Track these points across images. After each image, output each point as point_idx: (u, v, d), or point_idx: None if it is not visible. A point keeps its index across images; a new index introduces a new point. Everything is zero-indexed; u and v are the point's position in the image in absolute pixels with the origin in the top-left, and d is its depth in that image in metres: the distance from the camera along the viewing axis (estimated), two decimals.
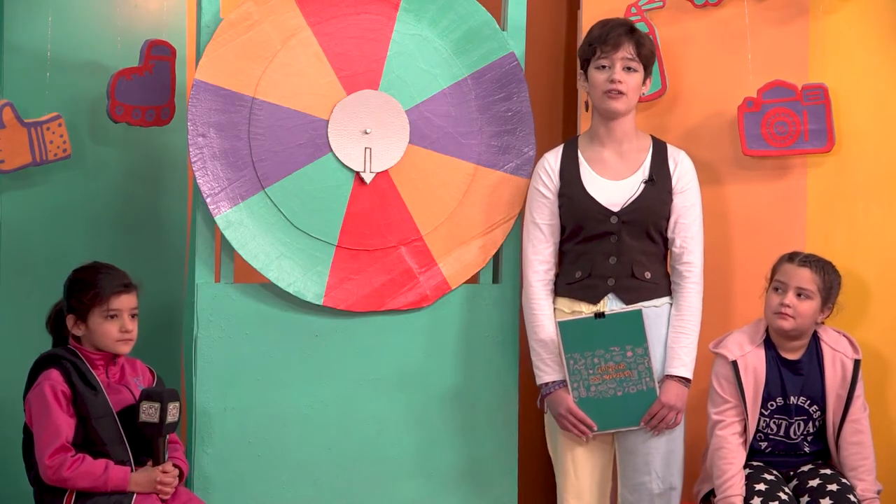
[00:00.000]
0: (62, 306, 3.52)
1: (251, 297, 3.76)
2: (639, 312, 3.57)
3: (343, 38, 3.79)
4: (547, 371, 3.67)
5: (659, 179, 3.68)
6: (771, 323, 3.66)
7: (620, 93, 3.63)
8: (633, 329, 3.56)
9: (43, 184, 3.98)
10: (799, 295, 3.63)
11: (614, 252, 3.66)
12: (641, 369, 3.58)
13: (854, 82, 3.96)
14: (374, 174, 3.80)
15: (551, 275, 3.75)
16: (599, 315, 3.58)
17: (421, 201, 3.86)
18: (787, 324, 3.63)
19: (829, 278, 3.66)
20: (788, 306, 3.62)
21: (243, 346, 3.75)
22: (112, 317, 3.45)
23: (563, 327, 3.60)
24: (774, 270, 3.71)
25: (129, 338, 3.48)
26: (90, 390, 3.40)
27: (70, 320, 3.47)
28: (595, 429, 3.62)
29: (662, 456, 3.66)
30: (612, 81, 3.62)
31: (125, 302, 3.48)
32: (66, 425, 3.34)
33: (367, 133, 3.79)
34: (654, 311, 3.66)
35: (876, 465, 3.67)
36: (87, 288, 3.45)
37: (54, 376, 3.38)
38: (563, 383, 3.64)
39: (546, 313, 3.71)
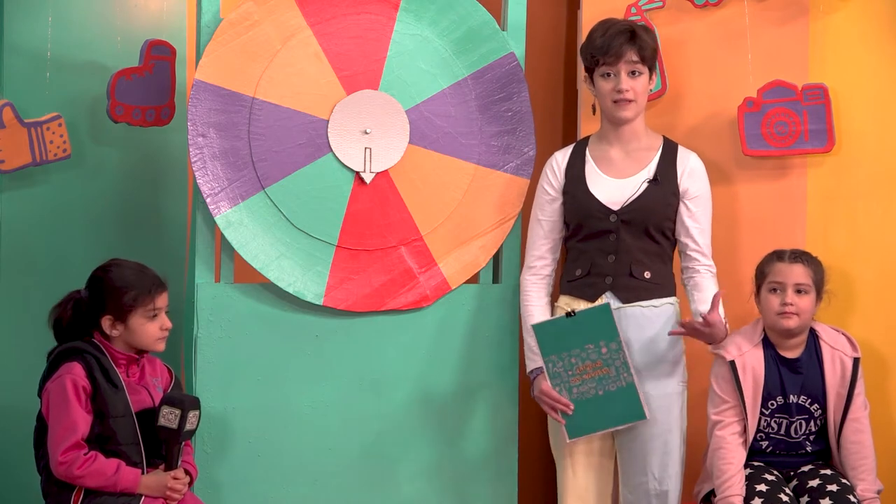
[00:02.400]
0: (81, 300, 3.45)
1: (251, 297, 3.76)
2: (607, 306, 3.57)
3: (343, 38, 3.79)
4: (534, 359, 3.68)
5: (664, 180, 3.67)
6: (774, 324, 3.66)
7: (629, 100, 3.64)
8: (604, 324, 3.56)
9: (43, 184, 3.98)
10: (797, 292, 3.64)
11: (613, 250, 3.66)
12: (618, 365, 3.58)
13: (854, 82, 3.96)
14: (374, 174, 3.80)
15: (547, 270, 3.76)
16: (570, 314, 3.58)
17: (421, 201, 3.86)
18: (792, 322, 3.63)
19: (818, 269, 3.69)
20: (791, 304, 3.62)
21: (243, 346, 3.75)
22: (154, 316, 3.44)
23: (538, 330, 3.61)
24: (763, 272, 3.71)
25: (166, 336, 3.48)
26: (111, 387, 3.37)
27: (106, 322, 3.41)
28: (571, 408, 3.61)
29: (659, 457, 3.66)
30: (620, 91, 3.63)
31: (163, 300, 3.47)
32: (82, 422, 3.32)
33: (367, 133, 3.79)
34: (652, 311, 3.66)
35: (876, 464, 3.67)
36: (126, 289, 3.41)
37: (77, 370, 3.35)
38: (543, 370, 3.64)
39: (536, 304, 3.73)
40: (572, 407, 3.61)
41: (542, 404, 3.66)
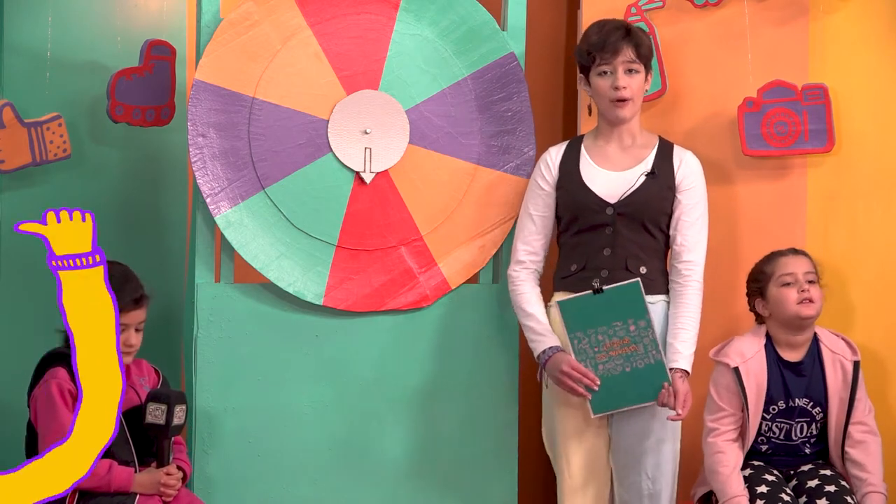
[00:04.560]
0: None
1: (251, 297, 3.76)
2: (637, 284, 3.52)
3: (343, 38, 3.79)
4: (541, 340, 3.64)
5: (660, 174, 3.67)
6: (796, 314, 3.63)
7: (626, 99, 3.63)
8: (633, 301, 3.52)
9: (43, 184, 3.98)
10: (809, 281, 3.65)
11: (609, 244, 3.65)
12: (647, 342, 3.54)
13: (854, 82, 3.96)
14: (374, 174, 3.80)
15: (536, 266, 3.75)
16: (598, 290, 3.55)
17: (421, 201, 3.86)
18: (812, 310, 3.64)
19: (815, 262, 3.71)
20: (808, 290, 3.63)
21: (243, 346, 3.75)
22: (122, 330, 3.42)
23: (564, 306, 3.58)
24: (765, 272, 3.70)
25: (130, 351, 3.47)
26: None
27: None
28: (598, 383, 3.58)
29: (654, 457, 3.65)
30: (617, 89, 3.62)
31: (133, 317, 3.46)
32: (71, 425, 3.33)
33: (367, 133, 3.79)
34: (648, 307, 3.65)
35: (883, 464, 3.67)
36: None
37: (61, 375, 3.37)
38: (559, 348, 3.61)
39: (529, 290, 3.70)
40: (598, 382, 3.58)
41: (564, 382, 3.58)
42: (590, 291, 3.56)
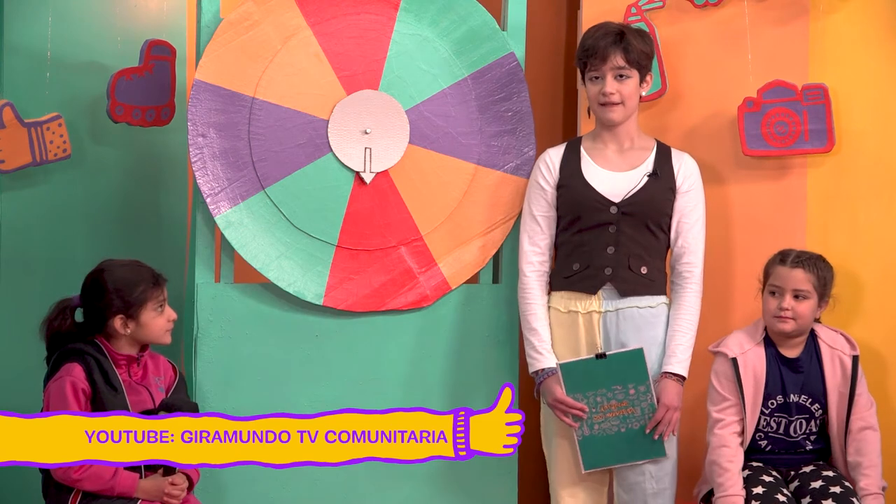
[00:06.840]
0: (76, 307, 3.47)
1: (251, 297, 3.76)
2: (640, 351, 3.57)
3: (343, 38, 3.79)
4: (539, 359, 3.68)
5: (662, 175, 3.68)
6: (772, 326, 3.66)
7: (615, 103, 3.64)
8: (635, 367, 3.57)
9: (43, 184, 3.98)
10: (796, 297, 3.63)
11: (613, 242, 3.66)
12: (644, 406, 3.59)
13: (854, 82, 3.96)
14: (374, 174, 3.80)
15: (546, 266, 3.76)
16: (601, 356, 3.59)
17: (421, 201, 3.86)
18: (787, 326, 3.64)
19: (822, 274, 3.67)
20: (787, 309, 3.62)
21: (243, 346, 3.75)
22: (161, 308, 3.46)
23: (565, 369, 3.61)
24: (767, 273, 3.70)
25: (172, 327, 3.51)
26: (111, 390, 3.37)
27: (118, 322, 3.41)
28: (586, 411, 3.60)
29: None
30: (605, 94, 3.63)
31: (166, 291, 3.50)
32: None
33: (367, 133, 3.79)
34: (649, 311, 3.66)
35: (881, 462, 3.66)
36: (133, 285, 3.43)
37: (76, 372, 3.36)
38: (554, 371, 3.64)
39: (539, 303, 3.72)
40: (587, 410, 3.60)
41: (554, 409, 3.65)
42: (592, 356, 3.60)
